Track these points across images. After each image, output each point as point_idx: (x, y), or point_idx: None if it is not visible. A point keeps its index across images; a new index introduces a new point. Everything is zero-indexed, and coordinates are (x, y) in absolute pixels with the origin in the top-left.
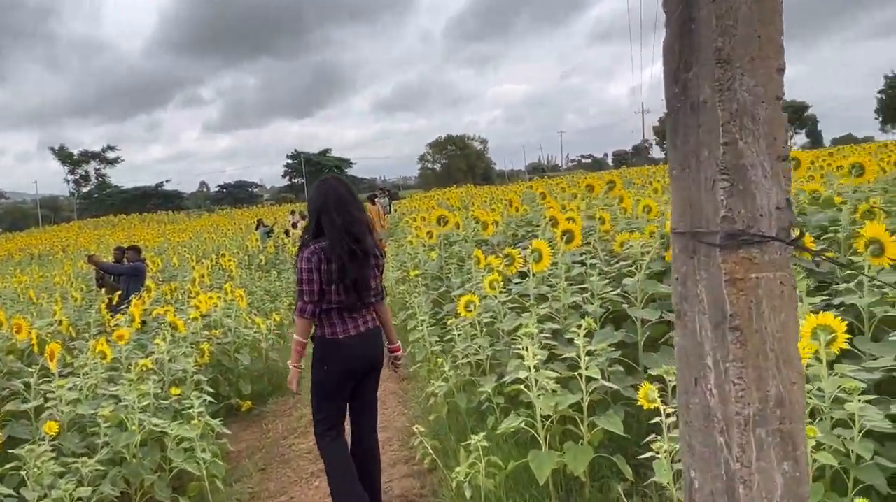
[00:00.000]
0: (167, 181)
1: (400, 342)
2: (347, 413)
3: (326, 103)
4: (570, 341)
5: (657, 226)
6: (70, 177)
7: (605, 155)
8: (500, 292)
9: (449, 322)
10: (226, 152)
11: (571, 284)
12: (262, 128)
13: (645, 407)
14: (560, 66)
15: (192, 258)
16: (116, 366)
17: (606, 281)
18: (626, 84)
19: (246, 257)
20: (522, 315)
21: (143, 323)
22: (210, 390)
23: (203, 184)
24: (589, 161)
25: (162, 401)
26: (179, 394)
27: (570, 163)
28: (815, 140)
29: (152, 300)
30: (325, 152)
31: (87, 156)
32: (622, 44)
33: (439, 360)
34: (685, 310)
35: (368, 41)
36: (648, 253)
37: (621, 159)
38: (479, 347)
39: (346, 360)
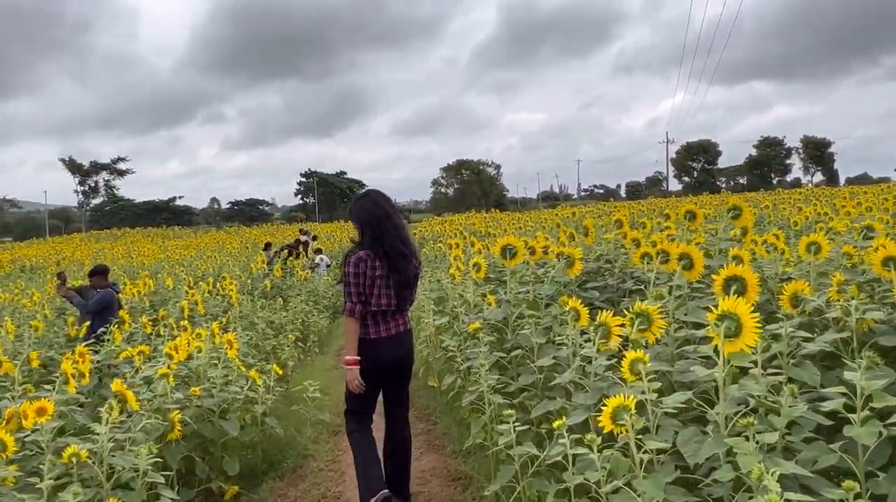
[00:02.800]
0: (180, 197)
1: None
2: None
3: (346, 125)
4: None
5: (844, 274)
6: (79, 188)
7: (618, 186)
8: (649, 379)
9: (556, 426)
10: (242, 170)
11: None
12: (279, 148)
13: None
14: (580, 96)
15: (189, 279)
16: (33, 452)
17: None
18: (644, 116)
19: (249, 281)
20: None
21: (99, 377)
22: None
23: (214, 200)
24: (602, 191)
25: None
26: None
27: (582, 194)
28: (831, 178)
29: (125, 337)
30: (340, 174)
31: (97, 168)
32: (643, 76)
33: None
34: None
35: (393, 66)
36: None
37: (634, 191)
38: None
39: (378, 359)
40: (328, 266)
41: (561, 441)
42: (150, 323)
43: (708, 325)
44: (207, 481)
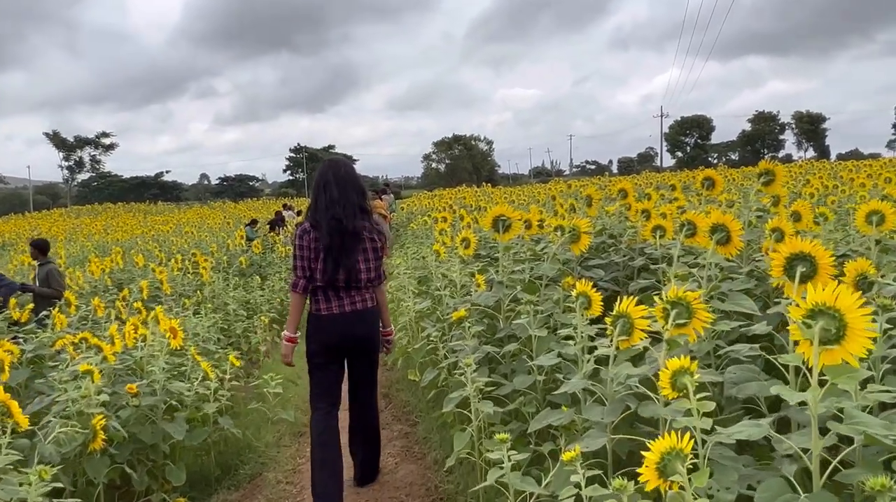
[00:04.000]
0: (167, 172)
1: (392, 327)
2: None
3: (339, 100)
4: None
5: None
6: (64, 164)
7: (610, 162)
8: (700, 397)
9: (566, 459)
10: (233, 145)
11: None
12: (271, 123)
13: None
14: (575, 71)
15: (161, 256)
16: None
17: None
18: (637, 92)
19: (225, 258)
20: None
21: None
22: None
23: (204, 175)
24: (594, 167)
25: None
26: None
27: (574, 169)
28: (823, 154)
29: (68, 324)
30: (328, 148)
31: (81, 143)
32: (638, 52)
33: None
34: None
35: (389, 40)
36: None
37: (626, 166)
38: None
39: (329, 336)
40: None
41: (573, 477)
42: (103, 306)
43: (760, 318)
44: (148, 493)
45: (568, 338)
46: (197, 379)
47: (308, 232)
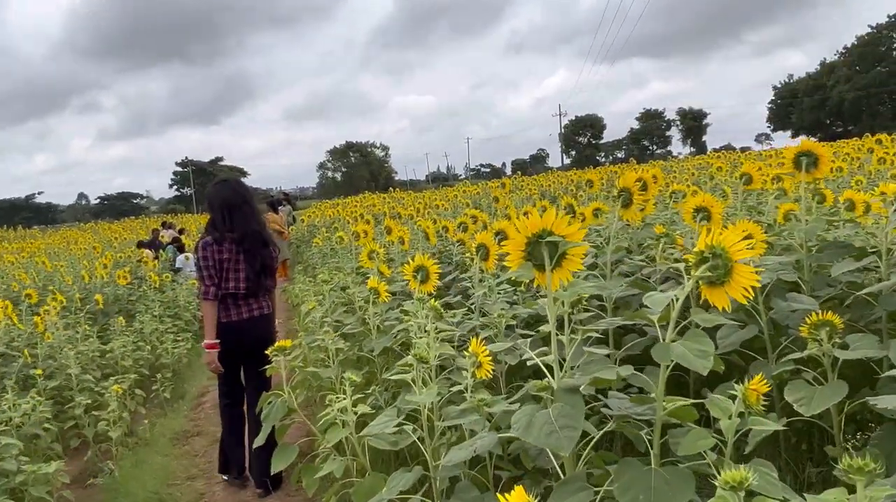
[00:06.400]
0: (39, 193)
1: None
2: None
3: (234, 111)
4: None
5: None
6: None
7: (504, 164)
8: None
9: None
10: (117, 161)
11: None
12: (160, 137)
13: None
14: (472, 76)
15: None
16: None
17: None
18: (531, 95)
19: (79, 295)
20: None
21: None
22: None
23: (82, 195)
24: (488, 170)
25: None
26: None
27: (469, 173)
28: (700, 149)
29: None
30: (215, 161)
31: None
32: (532, 56)
33: None
34: None
35: (286, 48)
36: None
37: (520, 168)
38: None
39: (233, 340)
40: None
41: None
42: None
43: None
44: None
45: None
46: None
47: (211, 244)
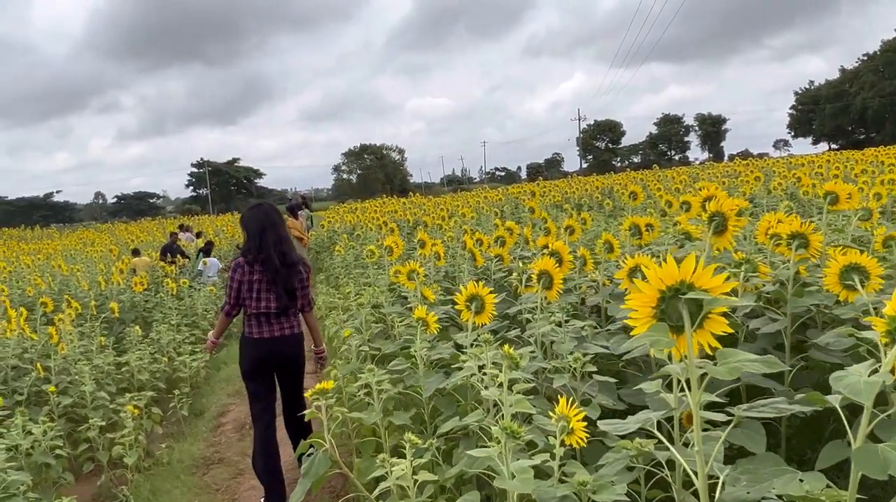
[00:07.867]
0: (58, 191)
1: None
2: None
3: (251, 112)
4: None
5: None
6: None
7: (519, 168)
8: None
9: None
10: (135, 161)
11: None
12: (178, 136)
13: None
14: (489, 79)
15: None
16: None
17: None
18: (546, 99)
19: (95, 302)
20: None
21: None
22: None
23: (99, 194)
24: (503, 174)
25: None
26: None
27: (484, 177)
28: (717, 155)
29: None
30: (232, 162)
31: None
32: (548, 60)
33: None
34: None
35: (304, 49)
36: None
37: (535, 172)
38: None
39: (259, 357)
40: (220, 270)
41: None
42: None
43: None
44: None
45: None
46: None
47: (242, 266)
